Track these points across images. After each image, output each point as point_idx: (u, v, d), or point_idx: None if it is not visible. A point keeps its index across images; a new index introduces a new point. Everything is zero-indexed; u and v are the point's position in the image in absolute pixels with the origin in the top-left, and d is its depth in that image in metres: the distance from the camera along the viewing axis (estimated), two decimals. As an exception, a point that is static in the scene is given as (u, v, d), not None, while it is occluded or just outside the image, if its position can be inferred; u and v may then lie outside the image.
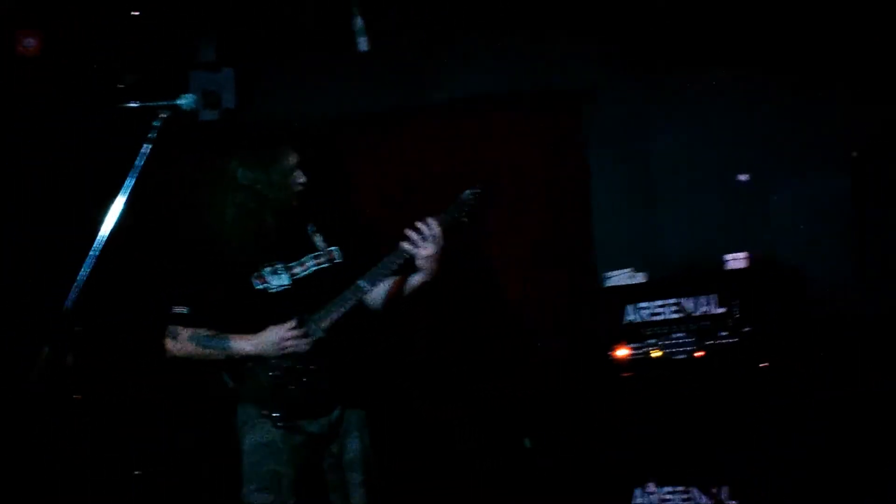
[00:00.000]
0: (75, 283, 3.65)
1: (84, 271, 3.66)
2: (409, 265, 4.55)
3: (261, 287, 4.51)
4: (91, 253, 3.68)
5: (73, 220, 6.17)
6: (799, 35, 6.46)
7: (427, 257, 4.49)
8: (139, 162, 3.82)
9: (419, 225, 4.48)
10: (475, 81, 7.20)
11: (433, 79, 7.27)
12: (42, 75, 6.74)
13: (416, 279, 4.61)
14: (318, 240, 4.70)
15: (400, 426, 6.44)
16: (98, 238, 3.70)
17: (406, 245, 4.48)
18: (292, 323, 4.42)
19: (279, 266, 4.55)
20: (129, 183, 3.78)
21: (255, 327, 4.45)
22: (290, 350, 4.42)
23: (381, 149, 7.38)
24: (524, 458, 6.71)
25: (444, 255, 4.53)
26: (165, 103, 3.93)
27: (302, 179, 4.59)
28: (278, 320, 4.45)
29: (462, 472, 6.68)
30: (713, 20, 6.62)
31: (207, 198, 4.72)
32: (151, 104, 3.95)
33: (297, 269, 4.58)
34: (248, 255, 4.53)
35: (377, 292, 4.67)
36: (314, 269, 4.62)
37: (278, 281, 4.52)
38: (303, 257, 4.61)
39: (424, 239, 4.46)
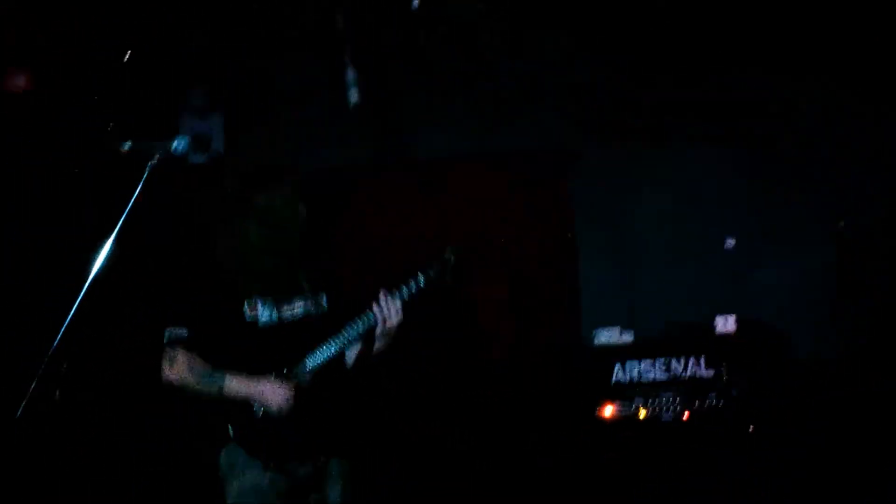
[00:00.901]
0: (65, 322, 3.62)
1: (73, 310, 3.63)
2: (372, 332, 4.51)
3: (250, 317, 4.45)
4: (81, 292, 3.66)
5: (62, 255, 6.16)
6: (781, 111, 6.57)
7: (383, 331, 4.47)
8: (131, 202, 3.81)
9: (381, 298, 4.46)
10: (463, 140, 7.25)
11: (421, 135, 7.32)
12: (31, 113, 6.72)
13: (376, 346, 4.57)
14: (308, 286, 4.63)
15: (384, 477, 6.43)
16: (88, 277, 3.68)
17: (374, 311, 4.46)
18: (290, 384, 4.39)
19: (270, 301, 4.49)
20: (120, 223, 3.77)
21: (239, 359, 4.40)
22: (281, 407, 4.37)
23: (368, 201, 7.37)
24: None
25: (404, 328, 4.48)
26: (158, 145, 3.92)
27: (304, 215, 4.55)
28: (263, 356, 4.40)
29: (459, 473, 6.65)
30: (699, 93, 6.72)
31: (209, 224, 4.66)
32: (144, 146, 3.93)
33: (285, 309, 4.51)
34: (245, 284, 4.48)
35: (352, 350, 4.63)
36: (301, 312, 4.55)
37: (267, 315, 4.47)
38: (293, 298, 4.55)
39: (386, 312, 4.45)
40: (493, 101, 7.14)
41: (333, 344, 4.48)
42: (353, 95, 6.84)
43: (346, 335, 4.48)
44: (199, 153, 6.71)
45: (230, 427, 4.47)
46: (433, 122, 7.28)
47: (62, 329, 3.61)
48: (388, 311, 4.44)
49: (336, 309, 4.64)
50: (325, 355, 4.47)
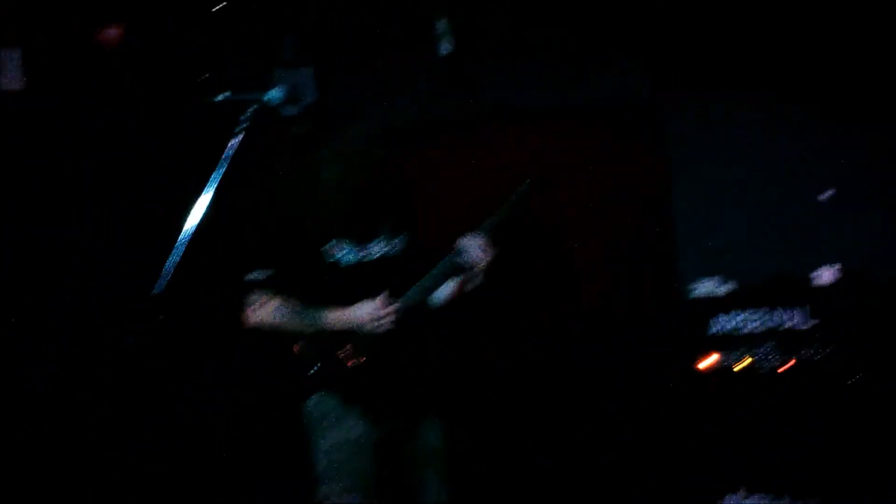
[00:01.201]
0: (162, 273, 3.64)
1: (171, 261, 3.65)
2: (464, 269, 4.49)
3: (333, 260, 4.42)
4: (178, 244, 3.68)
5: (153, 213, 6.19)
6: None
7: (472, 271, 4.44)
8: (227, 154, 3.82)
9: (466, 237, 4.42)
10: (555, 88, 7.17)
11: (511, 85, 7.24)
12: (123, 67, 6.76)
13: (468, 285, 4.54)
14: (387, 227, 4.59)
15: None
16: (185, 229, 3.70)
17: (457, 253, 4.42)
18: (385, 298, 4.32)
19: (351, 243, 4.46)
20: (217, 175, 3.78)
21: (325, 302, 4.37)
22: (383, 328, 4.31)
23: (456, 152, 7.34)
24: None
25: (496, 263, 4.45)
26: (255, 97, 3.93)
27: (382, 157, 4.56)
28: (348, 298, 4.36)
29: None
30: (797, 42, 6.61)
31: (290, 168, 4.66)
32: (241, 97, 3.95)
33: (366, 250, 4.48)
34: (326, 226, 4.46)
35: (440, 291, 4.56)
36: (381, 253, 4.52)
37: (349, 257, 4.44)
38: (373, 239, 4.52)
39: (473, 248, 4.40)
40: (579, 52, 7.06)
41: (421, 285, 4.43)
42: (444, 47, 6.82)
43: (433, 276, 4.44)
44: (291, 105, 6.72)
45: (315, 372, 4.42)
46: (520, 74, 7.20)
47: (160, 281, 3.66)
48: (475, 249, 4.38)
49: (415, 250, 4.62)
50: (413, 297, 4.42)
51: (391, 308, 4.32)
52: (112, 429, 6.49)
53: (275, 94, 3.98)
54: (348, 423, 4.37)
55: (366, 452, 4.37)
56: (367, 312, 4.31)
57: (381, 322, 4.31)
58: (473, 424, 6.71)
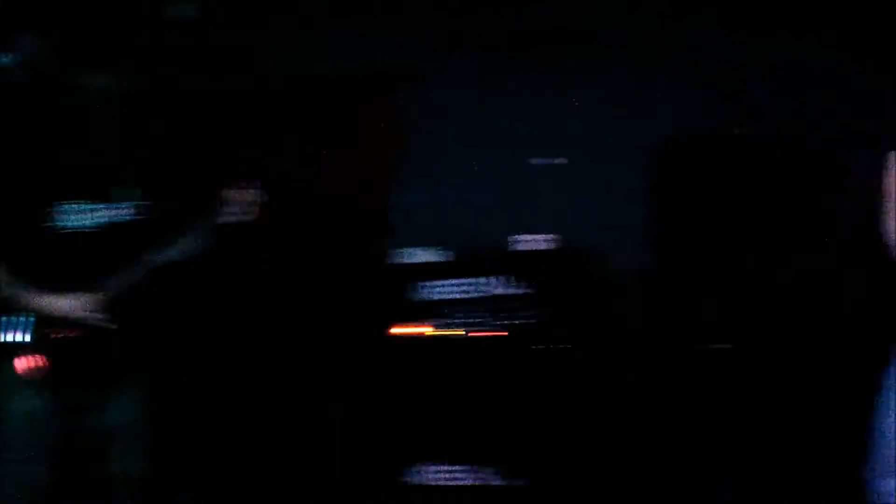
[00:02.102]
0: None
1: None
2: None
3: (58, 224, 4.22)
4: None
5: None
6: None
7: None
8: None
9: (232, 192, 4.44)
10: (304, 61, 7.26)
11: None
12: None
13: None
14: (124, 189, 4.38)
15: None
16: None
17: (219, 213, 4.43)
18: (89, 296, 4.21)
19: (79, 205, 4.25)
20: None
21: (46, 268, 4.21)
22: (88, 321, 4.21)
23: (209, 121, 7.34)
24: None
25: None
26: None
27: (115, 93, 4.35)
28: (74, 265, 4.22)
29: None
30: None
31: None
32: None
33: (97, 213, 4.28)
34: (54, 186, 4.25)
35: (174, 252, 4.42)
36: (113, 218, 4.32)
37: (77, 221, 4.24)
38: (105, 202, 4.31)
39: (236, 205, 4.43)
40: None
41: (150, 256, 4.34)
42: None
43: (177, 244, 4.39)
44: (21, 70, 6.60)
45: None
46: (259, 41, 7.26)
47: None
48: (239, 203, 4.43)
49: (151, 214, 4.46)
50: (141, 268, 4.32)
51: (94, 307, 4.21)
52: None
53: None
54: (27, 393, 4.20)
55: (45, 425, 4.20)
56: (69, 304, 4.20)
57: (85, 317, 4.21)
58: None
